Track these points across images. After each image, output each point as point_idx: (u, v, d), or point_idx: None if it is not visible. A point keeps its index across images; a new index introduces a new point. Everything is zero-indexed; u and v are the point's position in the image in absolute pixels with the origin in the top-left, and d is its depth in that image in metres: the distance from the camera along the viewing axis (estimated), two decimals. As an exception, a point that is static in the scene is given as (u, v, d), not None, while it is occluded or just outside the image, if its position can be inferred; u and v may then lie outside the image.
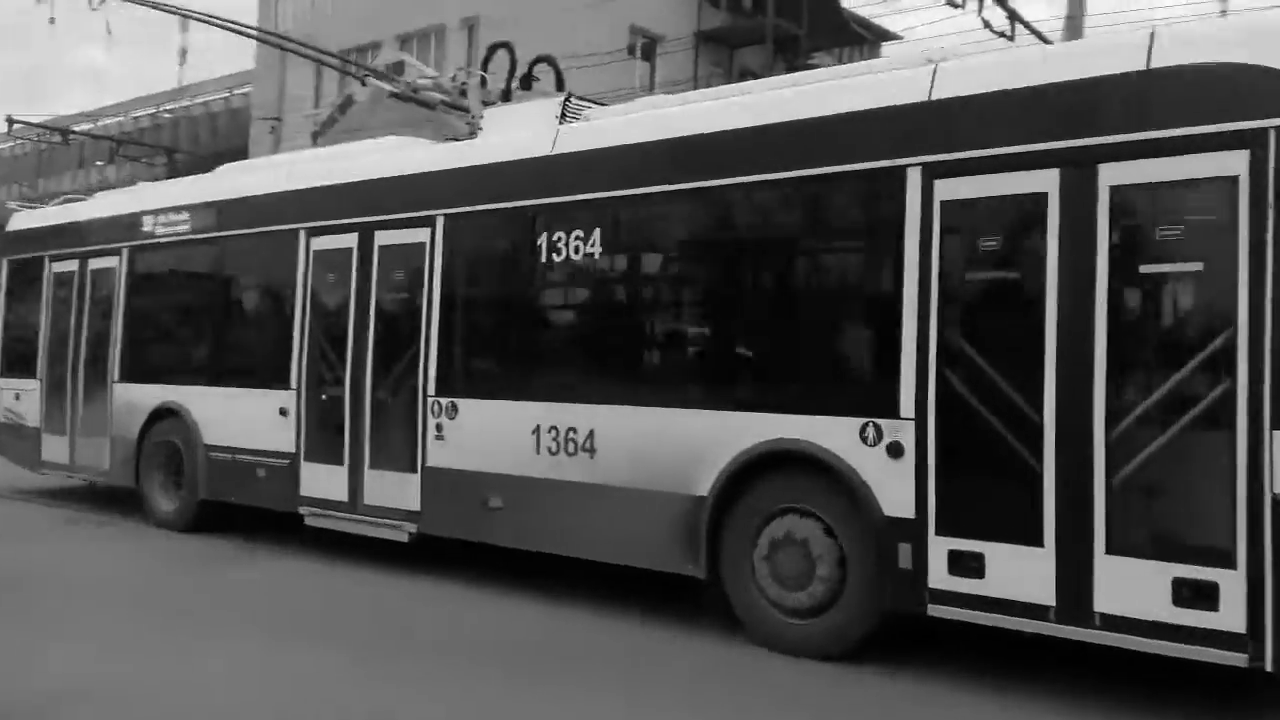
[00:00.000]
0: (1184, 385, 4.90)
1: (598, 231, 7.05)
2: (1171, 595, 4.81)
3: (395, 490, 8.15)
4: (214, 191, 10.02)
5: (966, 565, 5.41)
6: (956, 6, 12.67)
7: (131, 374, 10.41)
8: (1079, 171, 5.13)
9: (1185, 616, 4.77)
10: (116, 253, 10.64)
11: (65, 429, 11.18)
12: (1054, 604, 5.15)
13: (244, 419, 9.28)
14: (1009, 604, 5.29)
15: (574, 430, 7.06)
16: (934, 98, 5.68)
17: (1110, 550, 4.98)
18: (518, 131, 7.87)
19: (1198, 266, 5.01)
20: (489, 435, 7.55)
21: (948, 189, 5.56)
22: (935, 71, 5.75)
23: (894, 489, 5.65)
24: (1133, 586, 4.91)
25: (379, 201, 8.44)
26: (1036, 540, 5.20)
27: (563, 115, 7.91)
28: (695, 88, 9.92)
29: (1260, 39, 4.84)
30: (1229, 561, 4.69)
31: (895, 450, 5.65)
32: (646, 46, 29.68)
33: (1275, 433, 4.61)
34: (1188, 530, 4.99)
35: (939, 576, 5.50)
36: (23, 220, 12.33)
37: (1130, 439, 4.97)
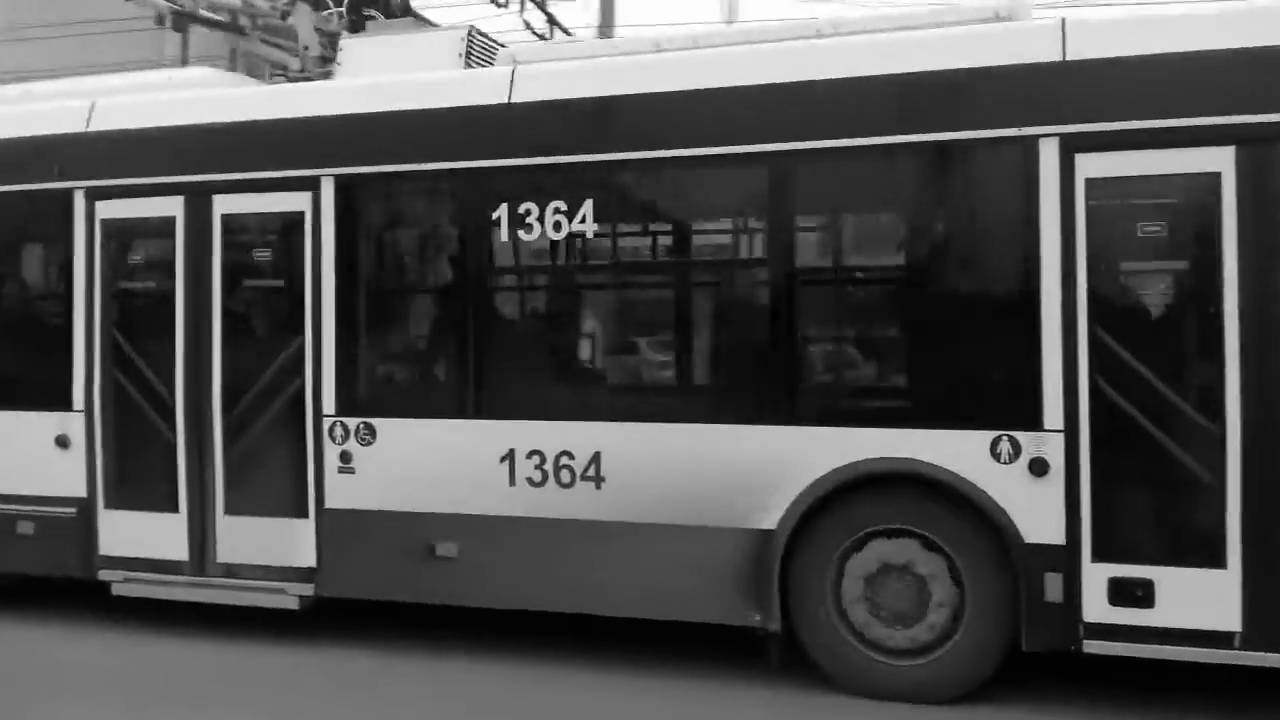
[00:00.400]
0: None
1: (589, 203, 5.56)
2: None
3: (272, 541, 6.12)
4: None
5: (1132, 594, 4.78)
6: (500, 5, 12.04)
7: None
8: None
9: None
10: None
11: None
12: (1239, 630, 4.69)
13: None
14: (1186, 634, 4.76)
15: (569, 455, 5.55)
16: (1069, 58, 4.92)
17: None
18: (412, 72, 6.10)
19: None
20: (432, 465, 5.79)
21: (1092, 165, 4.85)
22: (1064, 26, 4.97)
23: (1037, 511, 4.90)
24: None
25: (217, 156, 6.23)
26: (1218, 562, 4.70)
27: (468, 55, 6.31)
28: (232, 67, 8.31)
29: None
30: None
31: (1038, 467, 4.89)
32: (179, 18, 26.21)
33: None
34: None
35: (1098, 608, 4.82)
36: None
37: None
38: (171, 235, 6.32)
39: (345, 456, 5.94)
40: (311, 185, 6.01)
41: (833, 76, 5.21)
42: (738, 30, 7.39)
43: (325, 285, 5.99)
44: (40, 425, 6.54)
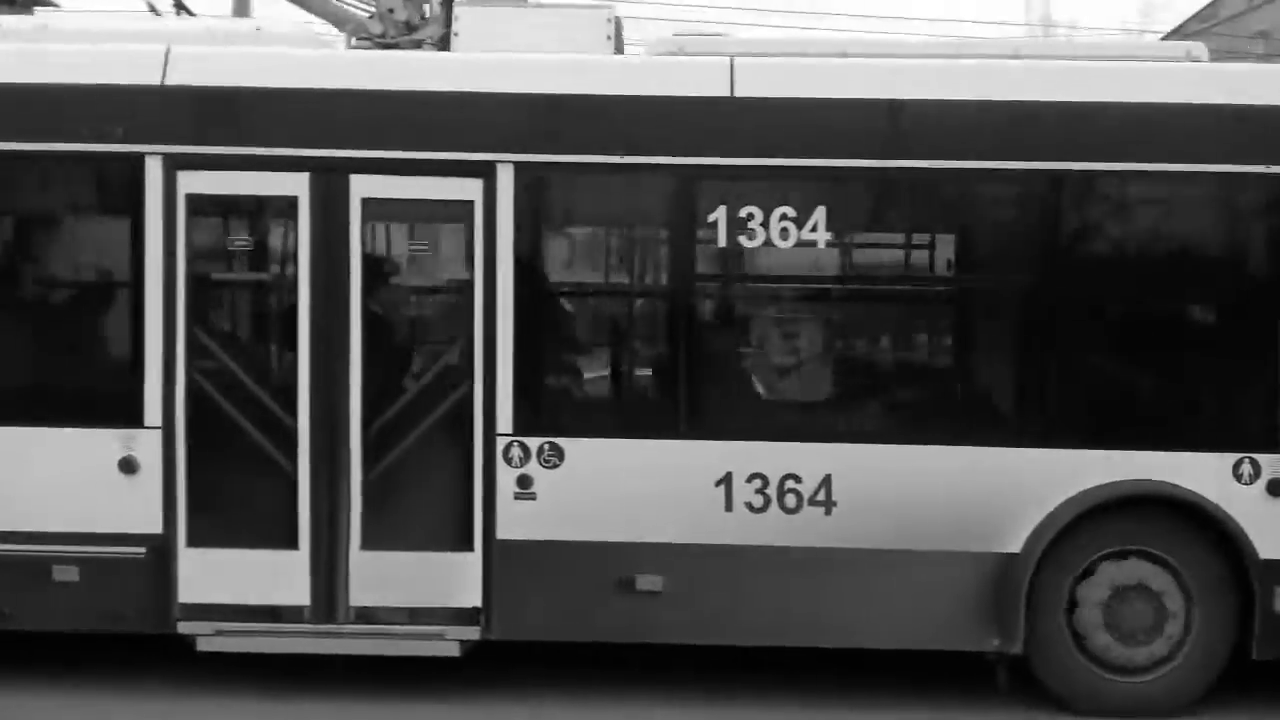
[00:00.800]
0: None
1: (822, 210, 5.22)
2: None
3: (422, 580, 5.27)
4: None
5: None
6: None
7: None
8: None
9: None
10: None
11: None
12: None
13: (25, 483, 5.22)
14: None
15: (795, 478, 5.21)
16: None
17: None
18: (556, 51, 5.46)
19: None
20: (632, 490, 5.21)
21: None
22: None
23: (1274, 529, 5.17)
24: None
25: (359, 129, 5.26)
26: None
27: (616, 37, 5.79)
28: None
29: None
30: None
31: (1276, 488, 5.16)
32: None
33: None
34: None
35: None
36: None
37: None
38: (291, 218, 5.26)
39: (524, 481, 5.21)
40: (484, 171, 5.21)
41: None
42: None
43: (501, 286, 5.20)
44: (96, 445, 5.23)
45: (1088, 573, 5.24)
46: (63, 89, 5.25)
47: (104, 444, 5.21)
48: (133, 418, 5.21)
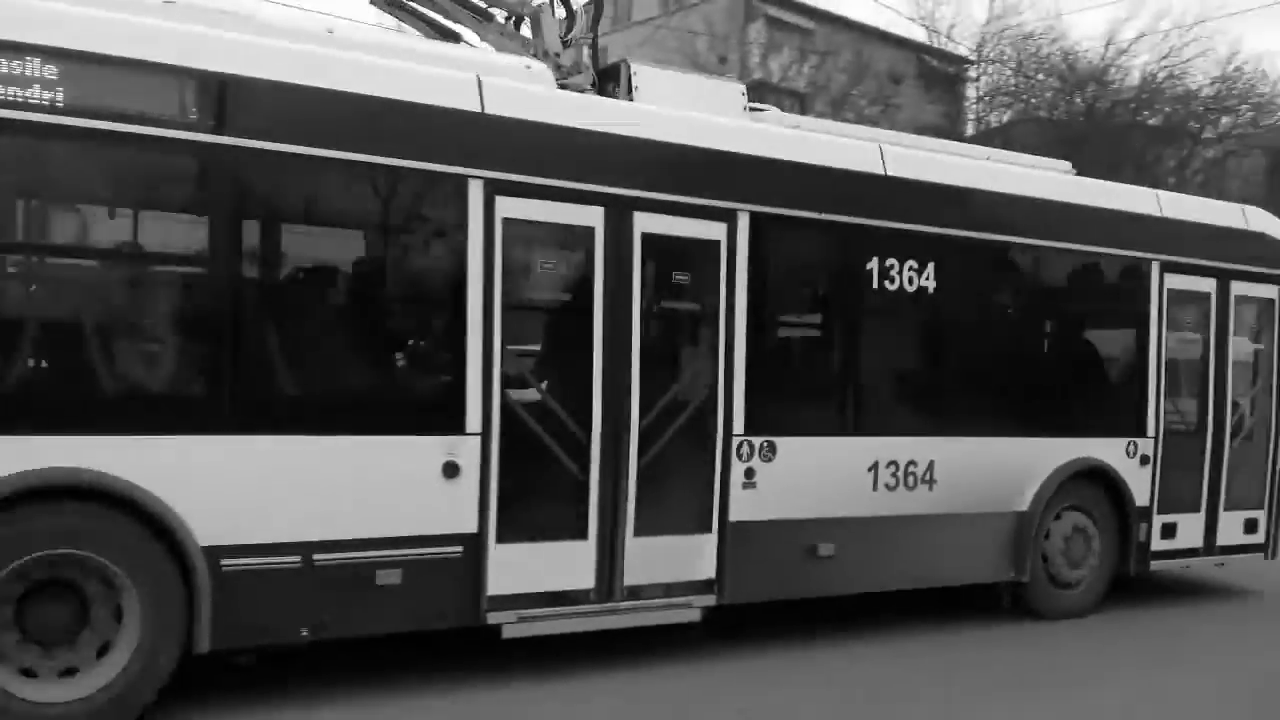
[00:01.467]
0: None
1: (932, 265, 7.17)
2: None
3: (676, 558, 6.28)
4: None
5: (1170, 531, 8.38)
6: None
7: None
8: None
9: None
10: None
11: None
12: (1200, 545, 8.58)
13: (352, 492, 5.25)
14: (1187, 551, 8.49)
15: (914, 464, 7.10)
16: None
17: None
18: (705, 111, 6.74)
19: None
20: (817, 476, 6.73)
21: None
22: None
23: (1139, 486, 8.16)
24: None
25: (641, 172, 6.12)
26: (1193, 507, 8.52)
27: (749, 109, 7.30)
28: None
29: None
30: None
31: (1144, 460, 8.16)
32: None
33: None
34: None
35: (1156, 543, 8.31)
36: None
37: None
38: (588, 248, 5.93)
39: (749, 473, 6.51)
40: (728, 217, 6.38)
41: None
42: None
43: (737, 314, 6.42)
44: (421, 452, 5.44)
45: (1057, 519, 7.87)
46: (386, 102, 5.39)
47: (429, 451, 5.47)
48: (456, 425, 5.53)
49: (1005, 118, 35.86)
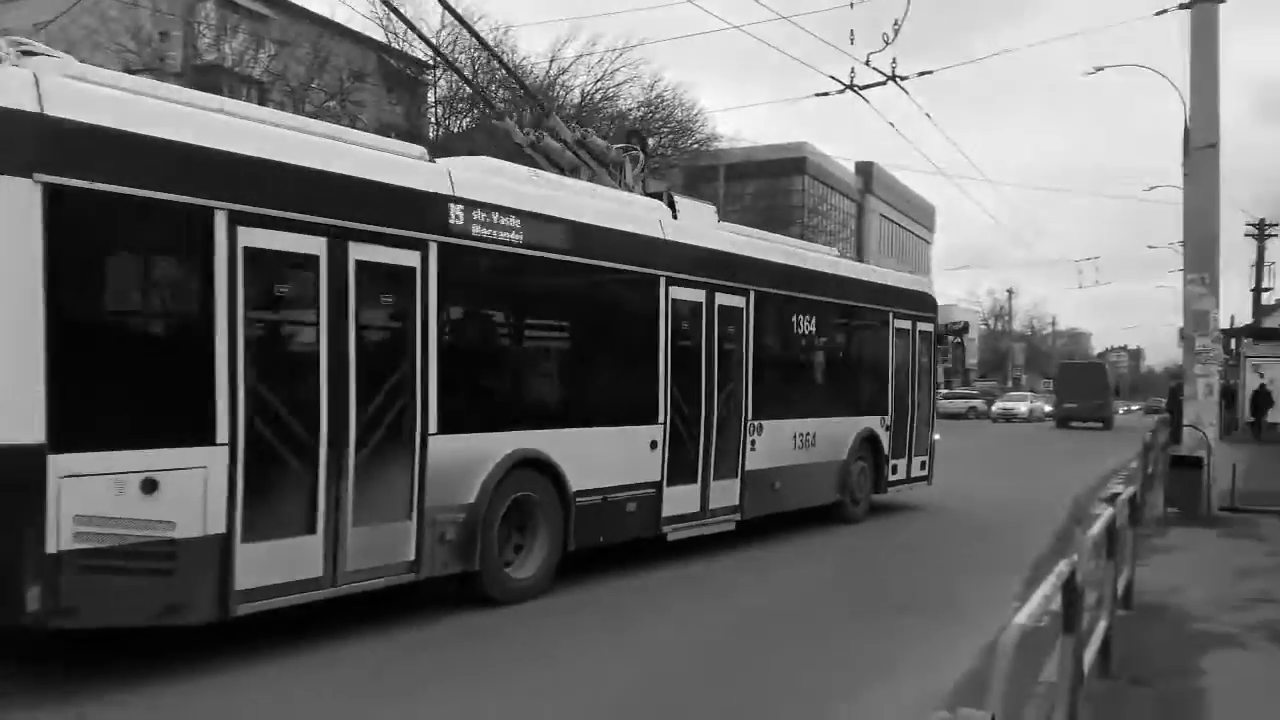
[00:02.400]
0: None
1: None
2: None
3: (725, 493, 10.57)
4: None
5: (895, 469, 14.05)
6: None
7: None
8: None
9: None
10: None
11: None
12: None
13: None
14: (903, 480, 14.26)
15: (808, 434, 11.93)
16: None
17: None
18: (714, 230, 11.08)
19: None
20: (775, 443, 11.28)
21: None
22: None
23: (887, 443, 13.75)
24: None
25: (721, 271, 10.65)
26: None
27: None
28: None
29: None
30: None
31: (887, 429, 13.76)
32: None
33: None
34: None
35: (890, 476, 13.93)
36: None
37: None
38: (656, 300, 9.82)
39: (754, 443, 10.85)
40: (745, 292, 10.88)
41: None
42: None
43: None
44: (643, 435, 9.34)
45: (857, 462, 13.11)
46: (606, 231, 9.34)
47: (646, 435, 9.48)
48: (654, 419, 9.48)
49: (464, 123, 38.25)
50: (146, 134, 5.92)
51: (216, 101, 6.87)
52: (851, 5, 15.47)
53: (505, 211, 8.08)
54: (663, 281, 9.71)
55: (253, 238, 6.30)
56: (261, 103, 35.51)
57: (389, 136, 31.88)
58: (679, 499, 9.87)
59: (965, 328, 21.69)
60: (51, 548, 5.40)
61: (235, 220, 6.21)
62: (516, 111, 37.52)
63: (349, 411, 6.83)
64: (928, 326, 14.94)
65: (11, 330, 5.39)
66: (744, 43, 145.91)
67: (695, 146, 42.43)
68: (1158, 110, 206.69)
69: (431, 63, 37.57)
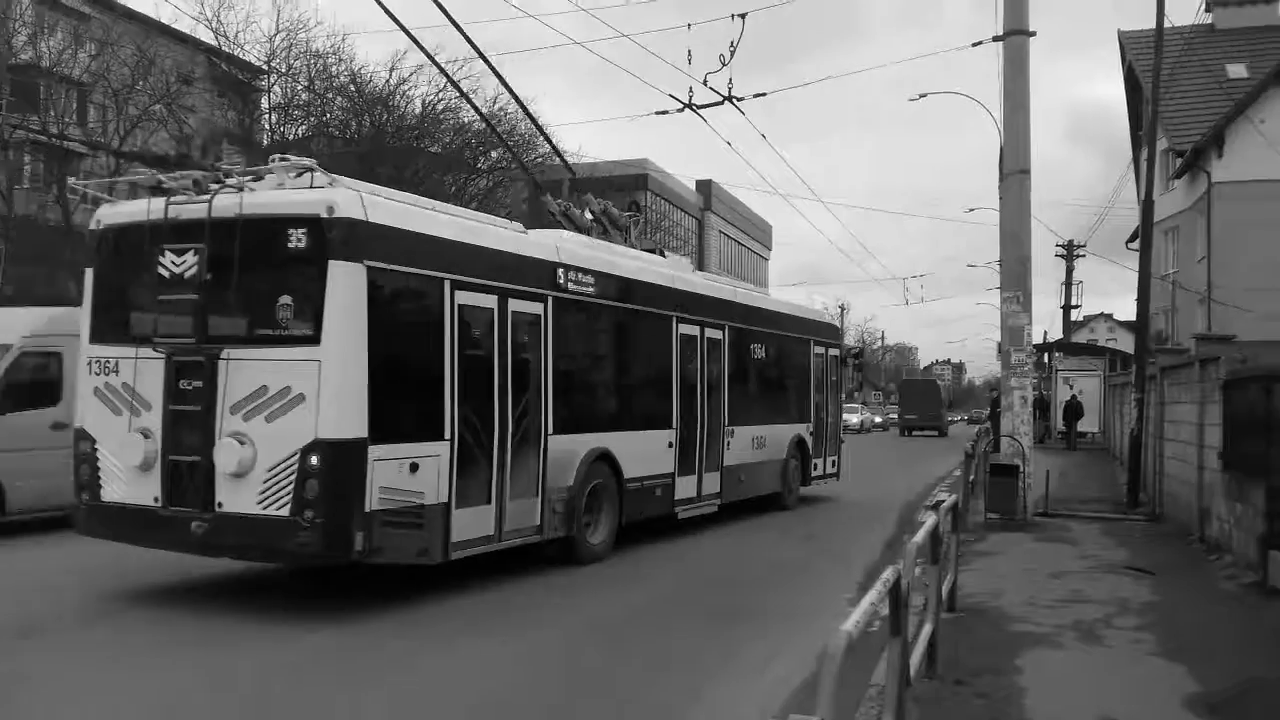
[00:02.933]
0: None
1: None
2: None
3: (712, 483, 13.64)
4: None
5: (818, 466, 16.38)
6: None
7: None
8: None
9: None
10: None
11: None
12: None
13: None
14: (829, 475, 15.00)
15: (761, 438, 14.97)
16: None
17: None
18: (698, 277, 15.16)
19: None
20: (741, 445, 14.34)
21: None
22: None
23: (812, 445, 15.65)
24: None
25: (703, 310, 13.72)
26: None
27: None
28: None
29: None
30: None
31: (811, 434, 15.14)
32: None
33: None
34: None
35: (814, 472, 15.12)
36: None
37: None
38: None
39: (728, 444, 13.94)
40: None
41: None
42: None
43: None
44: (664, 437, 12.40)
45: (791, 460, 15.23)
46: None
47: (666, 437, 12.47)
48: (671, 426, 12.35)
49: (301, 131, 37.21)
50: (414, 230, 8.63)
51: (440, 205, 10.09)
52: (689, 27, 15.78)
53: (585, 271, 10.89)
54: (674, 320, 12.74)
55: (462, 298, 8.95)
56: (82, 104, 33.88)
57: (221, 143, 30.47)
58: (684, 487, 12.80)
59: (861, 352, 26.72)
60: (367, 508, 7.91)
61: (454, 286, 8.87)
62: (355, 119, 37.27)
63: (508, 418, 9.53)
64: (835, 351, 18.34)
65: (352, 366, 7.87)
66: (590, 59, 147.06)
67: (538, 161, 42.37)
68: (980, 136, 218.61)
69: (265, 67, 36.50)
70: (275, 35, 35.53)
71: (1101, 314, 69.07)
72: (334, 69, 37.55)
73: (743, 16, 16.51)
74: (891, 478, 22.41)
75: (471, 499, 9.01)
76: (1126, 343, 42.22)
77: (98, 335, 8.83)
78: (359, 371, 7.86)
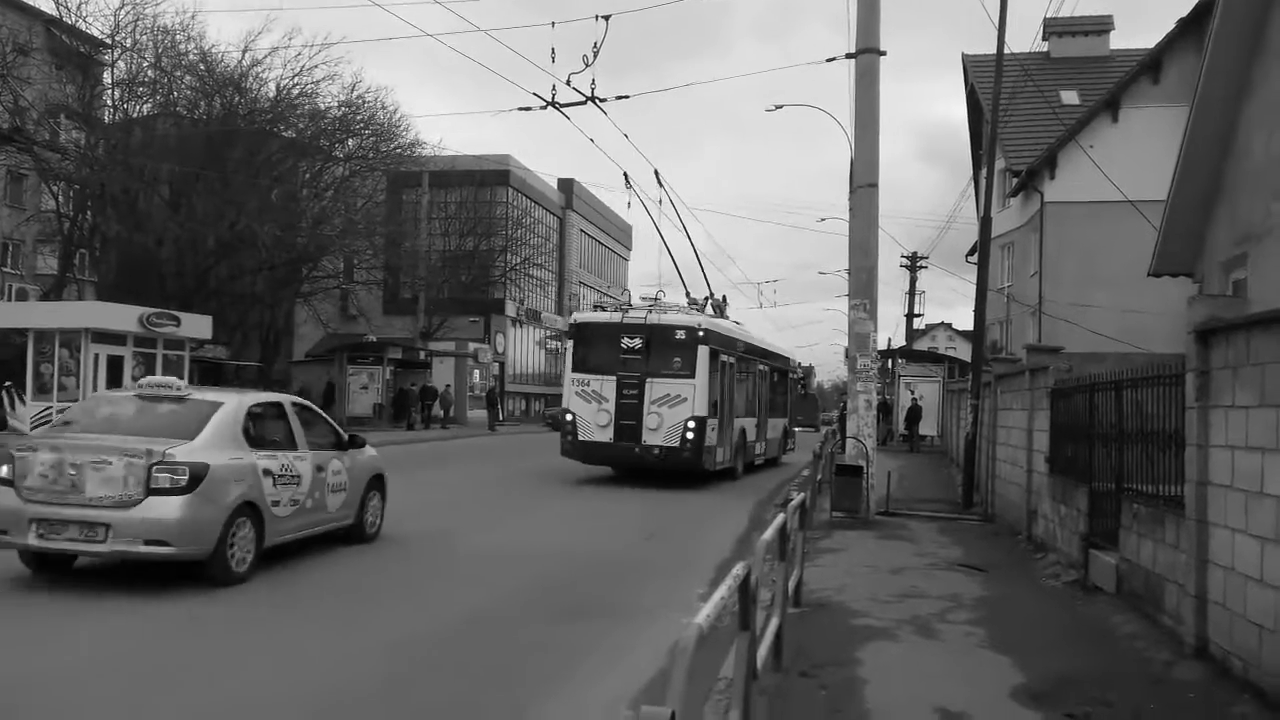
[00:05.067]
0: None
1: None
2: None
3: (763, 447, 24.56)
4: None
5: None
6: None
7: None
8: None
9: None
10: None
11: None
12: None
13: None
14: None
15: (775, 425, 24.36)
16: None
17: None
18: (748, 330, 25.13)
19: None
20: (769, 429, 25.50)
21: None
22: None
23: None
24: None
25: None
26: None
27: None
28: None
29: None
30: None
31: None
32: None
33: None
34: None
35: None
36: None
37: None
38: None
39: (767, 427, 23.34)
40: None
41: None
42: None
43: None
44: (750, 423, 21.44)
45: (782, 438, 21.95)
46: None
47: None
48: None
49: (146, 109, 36.12)
50: (721, 334, 20.60)
51: (725, 324, 22.22)
52: (553, 25, 15.78)
53: (739, 342, 22.47)
54: (757, 369, 23.92)
55: (726, 358, 20.58)
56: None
57: (59, 118, 28.57)
58: (758, 448, 23.69)
59: (810, 370, 39.39)
60: (706, 445, 19.21)
61: (726, 354, 20.86)
62: (205, 100, 35.67)
63: (758, 410, 23.78)
64: (797, 374, 31.09)
65: (702, 387, 18.97)
66: (451, 54, 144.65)
67: (398, 151, 41.52)
68: (835, 149, 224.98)
69: (109, 41, 34.70)
70: (120, 8, 33.76)
71: (942, 323, 72.27)
72: (183, 46, 36.13)
73: (606, 18, 16.65)
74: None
75: (755, 447, 23.39)
76: (964, 351, 44.25)
77: (577, 368, 19.62)
78: (705, 389, 18.92)
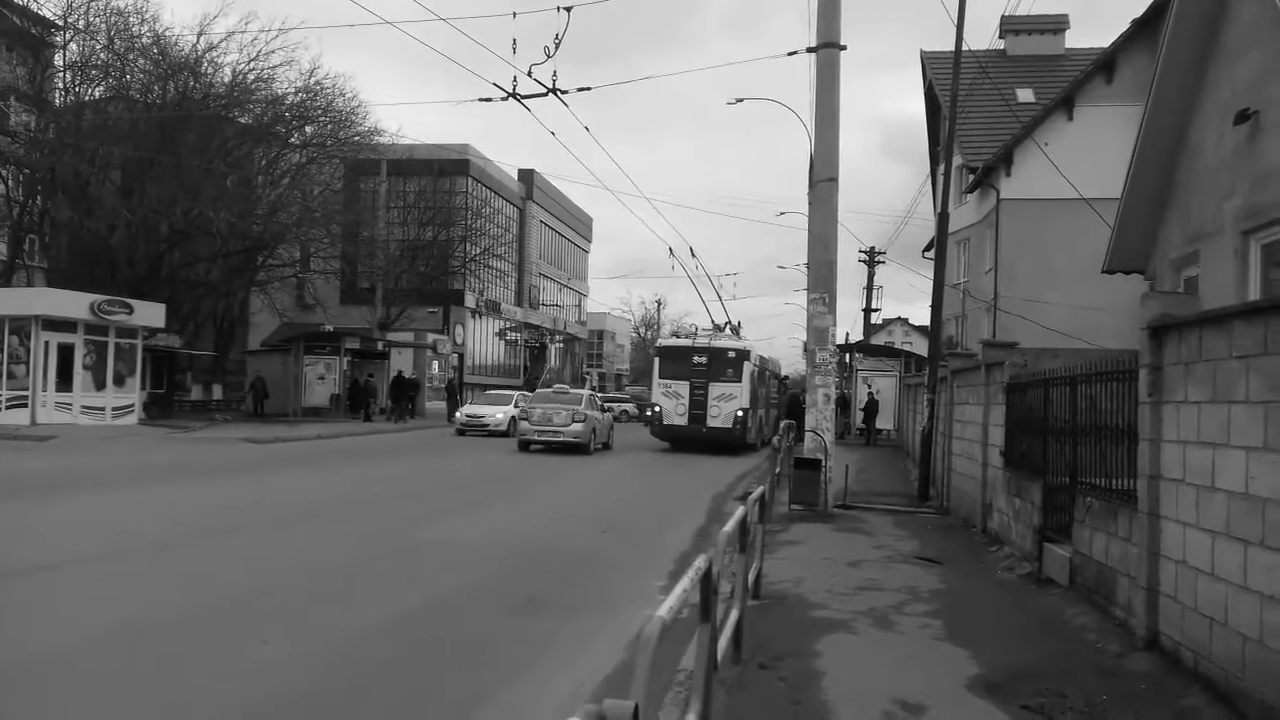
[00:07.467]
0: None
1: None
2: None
3: (768, 430, 30.90)
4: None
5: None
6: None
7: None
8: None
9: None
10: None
11: None
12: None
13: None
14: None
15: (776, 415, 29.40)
16: None
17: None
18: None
19: None
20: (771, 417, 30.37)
21: None
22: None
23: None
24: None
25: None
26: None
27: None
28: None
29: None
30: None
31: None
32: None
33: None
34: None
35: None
36: None
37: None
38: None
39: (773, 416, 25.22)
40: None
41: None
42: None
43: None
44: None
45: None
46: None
47: None
48: None
49: (99, 92, 35.62)
50: (757, 354, 31.52)
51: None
52: (514, 15, 15.69)
53: (761, 359, 33.08)
54: (768, 375, 35.36)
55: (753, 370, 30.74)
56: None
57: (8, 100, 27.80)
58: (767, 432, 31.22)
59: (786, 377, 45.51)
60: (749, 427, 30.57)
61: (762, 370, 34.22)
62: (159, 84, 34.94)
63: (767, 404, 34.66)
64: (779, 374, 39.80)
65: (748, 390, 29.67)
66: (414, 41, 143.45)
67: (356, 139, 41.09)
68: (795, 143, 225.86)
69: (60, 22, 33.96)
70: (74, -9, 32.98)
71: (899, 318, 72.73)
72: (136, 29, 35.45)
73: (569, 10, 16.57)
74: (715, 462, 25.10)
75: (756, 423, 31.05)
76: (921, 346, 44.61)
77: (663, 376, 29.92)
78: (748, 391, 29.51)
